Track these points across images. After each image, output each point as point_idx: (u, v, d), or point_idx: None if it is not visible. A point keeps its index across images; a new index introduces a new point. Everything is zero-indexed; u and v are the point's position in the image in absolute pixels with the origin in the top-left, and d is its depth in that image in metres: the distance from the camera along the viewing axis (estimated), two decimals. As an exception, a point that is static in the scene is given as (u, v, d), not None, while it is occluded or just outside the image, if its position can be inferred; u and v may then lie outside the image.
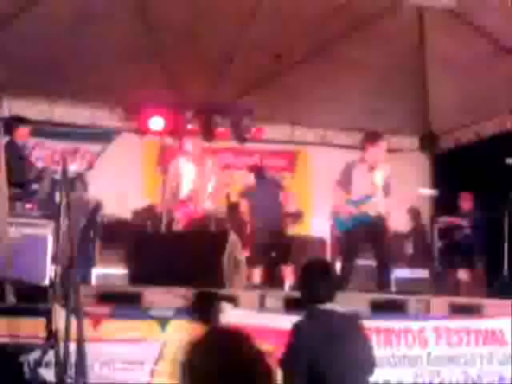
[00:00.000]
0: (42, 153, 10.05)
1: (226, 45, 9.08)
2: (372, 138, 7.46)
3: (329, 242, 10.04)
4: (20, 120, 7.17)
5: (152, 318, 4.97)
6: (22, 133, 7.07)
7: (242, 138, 10.94)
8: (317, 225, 10.93)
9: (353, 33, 8.76)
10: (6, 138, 6.44)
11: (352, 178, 7.36)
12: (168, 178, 7.79)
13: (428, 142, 11.65)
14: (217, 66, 9.58)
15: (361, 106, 10.63)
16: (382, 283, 7.09)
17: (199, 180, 7.66)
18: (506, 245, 7.74)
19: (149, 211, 9.41)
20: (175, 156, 8.32)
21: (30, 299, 4.81)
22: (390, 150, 11.05)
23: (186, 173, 7.72)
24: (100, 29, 8.57)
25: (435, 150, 11.72)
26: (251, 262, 7.88)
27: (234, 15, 8.54)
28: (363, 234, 7.29)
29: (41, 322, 4.52)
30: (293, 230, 9.80)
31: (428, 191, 7.72)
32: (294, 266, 8.92)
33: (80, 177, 7.14)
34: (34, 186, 7.48)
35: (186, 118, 10.67)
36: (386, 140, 7.54)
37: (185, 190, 7.69)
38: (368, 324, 5.34)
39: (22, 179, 6.70)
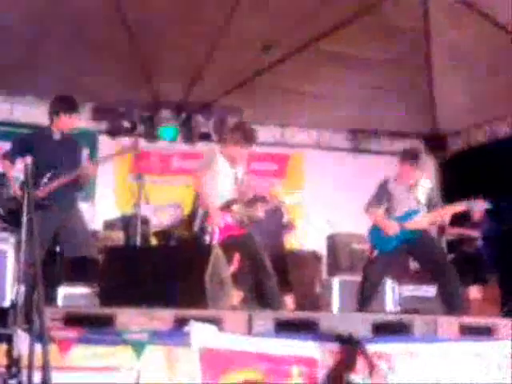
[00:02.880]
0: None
1: (207, 40, 9.09)
2: (411, 158, 7.53)
3: (325, 254, 10.06)
4: None
5: (126, 342, 4.95)
6: None
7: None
8: (311, 237, 10.96)
9: (349, 24, 8.71)
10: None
11: (391, 195, 7.49)
12: (209, 173, 7.16)
13: (435, 143, 11.70)
14: (197, 64, 9.59)
15: (359, 105, 10.66)
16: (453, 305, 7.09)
17: (237, 187, 7.41)
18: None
19: (122, 222, 9.41)
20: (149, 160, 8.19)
21: (-12, 322, 4.79)
22: (392, 153, 11.22)
23: (226, 176, 7.33)
24: (73, 25, 8.60)
25: (443, 153, 11.77)
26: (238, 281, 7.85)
27: (217, 8, 8.53)
28: (407, 253, 7.54)
29: (1, 348, 4.50)
30: (285, 242, 9.83)
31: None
32: (293, 295, 8.94)
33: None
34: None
35: (163, 118, 10.71)
36: (425, 159, 7.79)
37: (222, 197, 7.29)
38: (370, 348, 5.37)
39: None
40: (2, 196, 7.03)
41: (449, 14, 8.73)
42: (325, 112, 10.97)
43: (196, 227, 7.09)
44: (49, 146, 6.86)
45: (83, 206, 8.05)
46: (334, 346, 5.31)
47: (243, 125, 7.70)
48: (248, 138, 7.28)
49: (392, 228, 7.36)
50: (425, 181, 7.59)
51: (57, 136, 6.92)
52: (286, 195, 8.84)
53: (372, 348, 5.39)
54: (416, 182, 7.48)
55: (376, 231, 7.51)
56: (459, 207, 7.48)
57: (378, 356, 5.42)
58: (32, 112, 10.18)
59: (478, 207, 7.82)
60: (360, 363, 5.26)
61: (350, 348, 5.31)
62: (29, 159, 6.18)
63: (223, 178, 7.21)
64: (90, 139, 10.29)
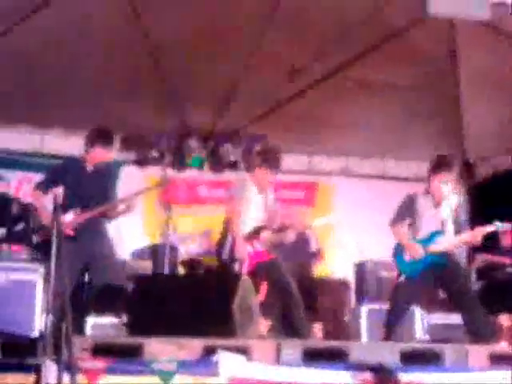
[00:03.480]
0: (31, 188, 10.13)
1: (235, 67, 9.13)
2: (437, 164, 7.27)
3: (353, 283, 10.02)
4: None
5: (154, 372, 4.96)
6: None
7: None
8: (339, 264, 10.93)
9: (376, 50, 8.71)
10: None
11: (417, 212, 7.24)
12: (241, 204, 7.18)
13: (463, 169, 11.65)
14: (225, 91, 9.64)
15: (386, 132, 10.64)
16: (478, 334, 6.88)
17: (266, 213, 7.40)
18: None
19: (150, 251, 9.44)
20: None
21: (17, 353, 4.81)
22: (420, 179, 11.16)
23: (255, 203, 7.34)
24: (101, 55, 8.68)
25: (471, 179, 11.72)
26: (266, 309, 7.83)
27: (245, 34, 8.57)
28: (433, 280, 7.22)
29: (30, 378, 4.52)
30: (313, 270, 9.80)
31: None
32: (322, 323, 8.89)
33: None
34: (20, 225, 7.50)
35: (191, 148, 10.77)
36: (456, 166, 7.34)
37: (251, 224, 7.30)
38: (399, 377, 5.33)
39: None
40: (33, 226, 7.10)
41: (476, 38, 8.68)
42: (352, 139, 10.97)
43: (225, 255, 7.10)
44: (82, 177, 6.92)
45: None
46: (364, 375, 5.28)
47: (268, 149, 7.71)
48: (274, 161, 7.30)
49: (417, 251, 7.11)
50: (453, 196, 7.30)
51: (90, 168, 6.98)
52: (314, 219, 8.77)
53: (404, 377, 5.36)
54: (445, 197, 7.21)
55: (400, 255, 7.28)
56: (488, 228, 7.27)
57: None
58: (62, 143, 10.28)
59: (506, 228, 7.65)
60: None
61: (382, 377, 5.28)
62: (59, 189, 6.27)
63: (253, 205, 7.23)
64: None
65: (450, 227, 7.18)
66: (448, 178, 7.20)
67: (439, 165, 7.25)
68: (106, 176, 7.10)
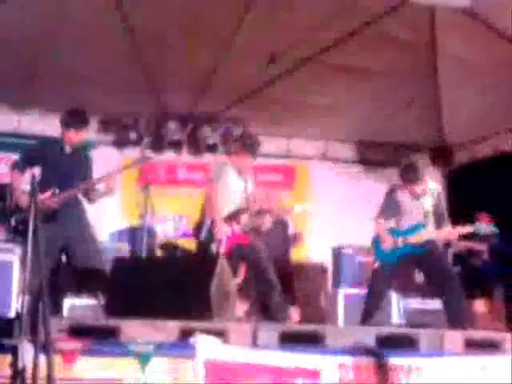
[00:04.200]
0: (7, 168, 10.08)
1: (214, 52, 9.13)
2: (406, 175, 7.44)
3: (330, 267, 10.05)
4: None
5: (131, 354, 4.96)
6: None
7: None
8: (316, 249, 10.95)
9: (354, 36, 8.69)
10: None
11: (399, 205, 7.47)
12: (219, 184, 7.17)
13: (441, 156, 11.69)
14: (204, 75, 9.62)
15: (364, 117, 10.67)
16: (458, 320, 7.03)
17: (245, 196, 7.41)
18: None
19: (128, 233, 9.43)
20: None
21: (-6, 333, 4.80)
22: (397, 164, 11.20)
23: (234, 186, 7.35)
24: (78, 36, 8.61)
25: (449, 166, 11.76)
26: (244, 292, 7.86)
27: (224, 20, 8.55)
28: (414, 265, 7.61)
29: (6, 359, 4.51)
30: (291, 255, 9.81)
31: None
32: (298, 307, 8.91)
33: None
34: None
35: (170, 130, 10.74)
36: (426, 169, 7.64)
37: (230, 207, 7.27)
38: (374, 361, 5.36)
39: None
40: (10, 207, 7.06)
41: (455, 26, 8.69)
42: (330, 124, 10.99)
43: (203, 237, 7.10)
44: (60, 158, 6.89)
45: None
46: (339, 359, 5.31)
47: (246, 134, 7.72)
48: (252, 146, 7.31)
49: (389, 243, 7.37)
50: (432, 184, 7.55)
51: (68, 149, 6.96)
52: (293, 203, 8.80)
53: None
54: (423, 191, 7.42)
55: (378, 243, 7.51)
56: (466, 229, 7.44)
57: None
58: (39, 124, 10.22)
59: (485, 230, 7.81)
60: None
61: (370, 361, 5.32)
62: (36, 170, 6.24)
63: (232, 188, 7.24)
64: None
65: (430, 219, 7.38)
66: (418, 186, 7.39)
67: (408, 175, 7.41)
68: (83, 157, 7.09)
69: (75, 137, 6.95)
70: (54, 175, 6.65)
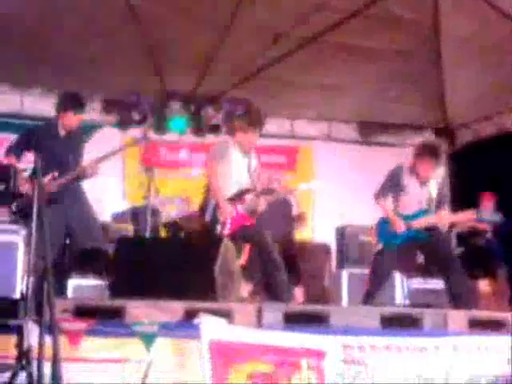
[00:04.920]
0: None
1: (217, 31, 9.08)
2: (431, 154, 7.29)
3: (334, 247, 10.06)
4: None
5: (136, 334, 4.97)
6: None
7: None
8: (320, 229, 10.96)
9: (358, 16, 8.66)
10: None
11: (404, 187, 7.37)
12: (222, 164, 7.07)
13: (444, 135, 11.67)
14: (207, 55, 9.58)
15: (368, 97, 10.65)
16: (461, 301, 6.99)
17: (249, 176, 7.34)
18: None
19: (131, 214, 9.42)
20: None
21: (-1, 314, 4.80)
22: (401, 145, 11.19)
23: (239, 166, 7.25)
24: (81, 16, 8.59)
25: (452, 145, 11.74)
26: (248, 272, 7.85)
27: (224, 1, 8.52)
28: (416, 248, 7.53)
29: (11, 339, 4.52)
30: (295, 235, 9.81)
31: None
32: (303, 287, 8.92)
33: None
34: (1, 186, 7.43)
35: (173, 110, 10.72)
36: (442, 154, 7.41)
37: (234, 187, 7.18)
38: (378, 341, 5.37)
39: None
40: (12, 191, 7.04)
41: (458, 5, 8.68)
42: (334, 104, 10.96)
43: (207, 218, 7.08)
44: (54, 142, 6.89)
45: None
46: (343, 339, 5.32)
47: (250, 109, 7.62)
48: (256, 121, 7.24)
49: (399, 227, 7.29)
50: (439, 169, 7.45)
51: (62, 132, 6.96)
52: (296, 184, 8.75)
53: (383, 341, 5.41)
54: (431, 177, 7.35)
55: (384, 224, 7.47)
56: (470, 216, 7.44)
57: (387, 348, 5.43)
58: (41, 104, 10.17)
59: (489, 218, 7.81)
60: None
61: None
62: (31, 154, 6.23)
63: (236, 167, 7.18)
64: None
65: (433, 205, 7.34)
66: (433, 166, 7.29)
67: (425, 153, 7.30)
68: (78, 140, 7.10)
69: (72, 120, 6.95)
70: (49, 158, 6.63)
